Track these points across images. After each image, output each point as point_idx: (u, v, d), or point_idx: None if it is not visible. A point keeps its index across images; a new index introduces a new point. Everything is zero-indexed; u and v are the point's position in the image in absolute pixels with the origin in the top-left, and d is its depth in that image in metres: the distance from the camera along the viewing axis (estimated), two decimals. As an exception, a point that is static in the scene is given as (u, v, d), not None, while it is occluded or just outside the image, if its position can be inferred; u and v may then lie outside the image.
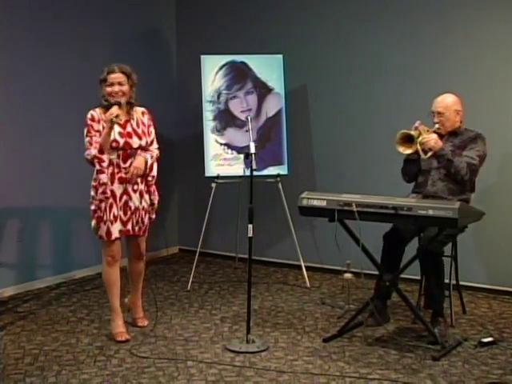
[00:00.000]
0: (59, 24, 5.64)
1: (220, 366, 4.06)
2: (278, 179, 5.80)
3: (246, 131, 4.63)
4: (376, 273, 4.61)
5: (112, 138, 4.29)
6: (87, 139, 4.32)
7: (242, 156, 5.11)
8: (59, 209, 5.74)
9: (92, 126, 4.31)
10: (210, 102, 5.82)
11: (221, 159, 5.82)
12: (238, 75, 5.84)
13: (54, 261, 5.75)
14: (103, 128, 4.28)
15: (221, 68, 5.83)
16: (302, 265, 5.81)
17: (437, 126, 4.68)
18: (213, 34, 6.47)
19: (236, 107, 5.83)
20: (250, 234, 4.36)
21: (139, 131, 4.41)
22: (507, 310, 5.14)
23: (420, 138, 4.53)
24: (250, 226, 4.35)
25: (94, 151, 4.27)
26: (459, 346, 4.35)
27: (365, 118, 5.89)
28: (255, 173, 4.43)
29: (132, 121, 4.40)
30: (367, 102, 5.87)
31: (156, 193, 4.53)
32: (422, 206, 4.07)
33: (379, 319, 4.52)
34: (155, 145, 4.51)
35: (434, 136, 4.55)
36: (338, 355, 4.22)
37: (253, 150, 4.39)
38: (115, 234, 4.37)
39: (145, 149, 4.42)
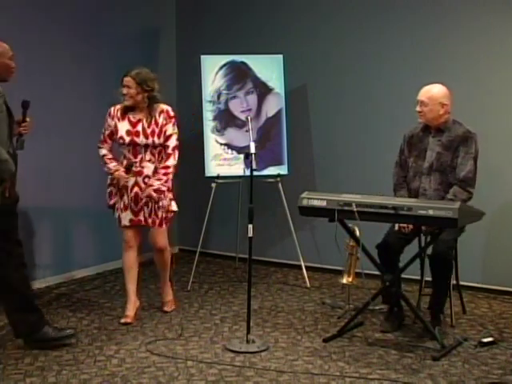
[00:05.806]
0: (59, 24, 5.63)
1: (220, 366, 4.06)
2: (278, 179, 5.79)
3: (246, 131, 4.63)
4: (376, 273, 4.61)
5: (119, 135, 4.67)
6: (102, 133, 4.78)
7: (241, 156, 5.10)
8: (59, 209, 5.73)
9: (107, 120, 4.75)
10: (210, 101, 5.82)
11: (221, 159, 5.82)
12: (238, 75, 5.84)
13: (54, 261, 5.74)
14: (115, 124, 4.69)
15: (221, 68, 5.83)
16: (302, 265, 5.81)
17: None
18: (213, 34, 6.46)
19: (236, 107, 5.83)
20: (250, 234, 4.36)
21: (148, 131, 4.65)
22: (507, 309, 5.14)
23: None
24: (250, 226, 4.35)
25: (103, 151, 4.76)
26: (459, 345, 4.36)
27: (365, 118, 5.88)
28: (255, 173, 4.43)
29: (145, 121, 4.65)
30: (367, 102, 5.86)
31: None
32: (422, 206, 4.06)
33: (395, 321, 4.52)
34: (173, 142, 4.68)
35: None
36: (337, 355, 4.22)
37: (253, 150, 4.39)
38: (124, 222, 4.73)
39: (156, 147, 4.66)
